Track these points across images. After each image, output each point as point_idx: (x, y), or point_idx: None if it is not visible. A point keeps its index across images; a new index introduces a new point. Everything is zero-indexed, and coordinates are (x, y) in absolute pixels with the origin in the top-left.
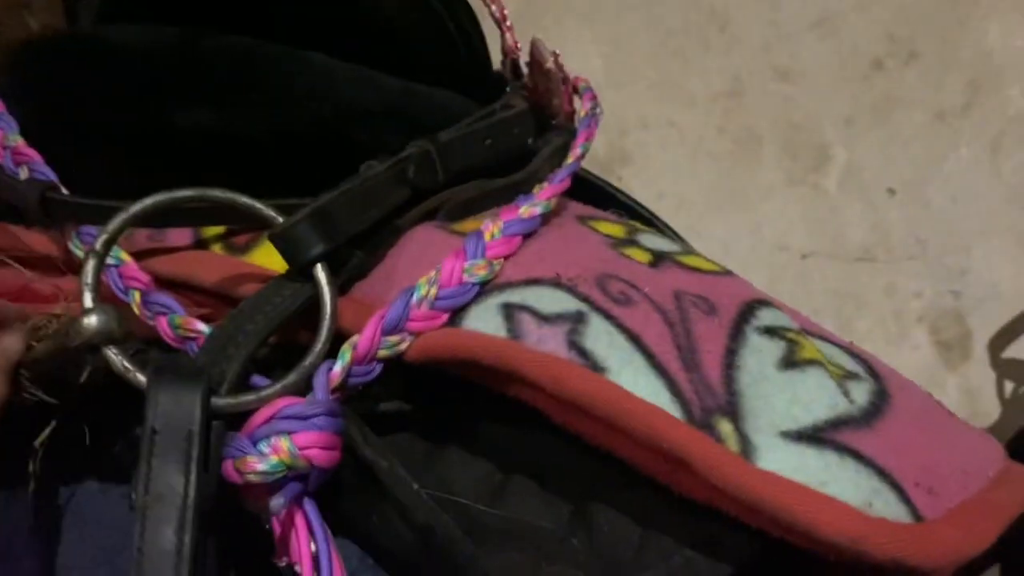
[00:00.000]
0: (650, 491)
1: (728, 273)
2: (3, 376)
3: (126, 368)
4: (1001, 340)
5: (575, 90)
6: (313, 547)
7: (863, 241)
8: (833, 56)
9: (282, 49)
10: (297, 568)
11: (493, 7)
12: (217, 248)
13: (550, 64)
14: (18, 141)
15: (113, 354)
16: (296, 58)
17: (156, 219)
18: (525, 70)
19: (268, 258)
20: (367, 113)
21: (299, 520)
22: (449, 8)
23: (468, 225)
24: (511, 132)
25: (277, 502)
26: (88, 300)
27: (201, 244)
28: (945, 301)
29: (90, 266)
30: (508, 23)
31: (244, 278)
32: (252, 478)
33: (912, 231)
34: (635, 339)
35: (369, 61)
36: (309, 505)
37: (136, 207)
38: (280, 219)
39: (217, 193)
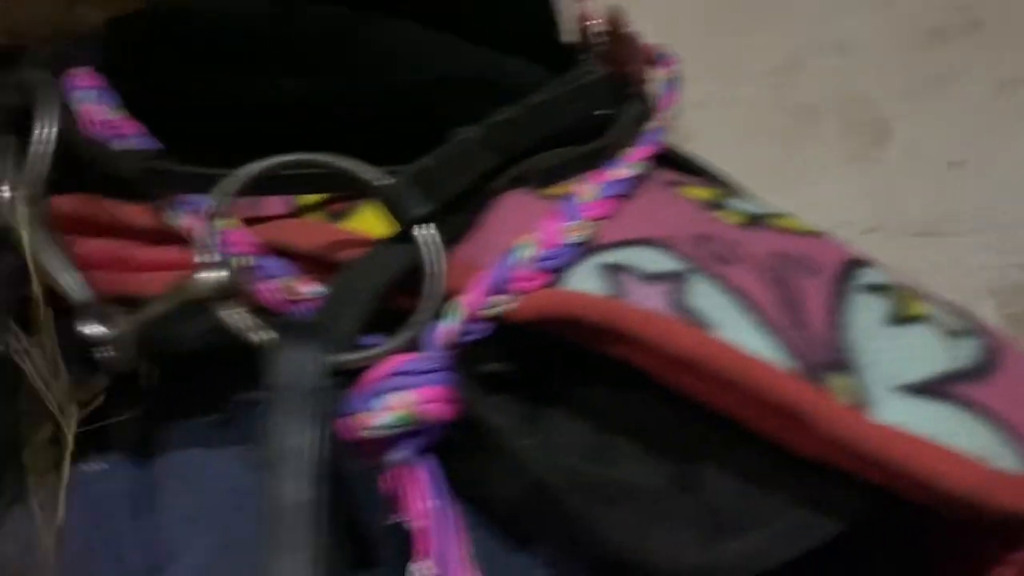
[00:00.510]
0: (758, 449)
1: (822, 234)
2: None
3: (246, 327)
4: None
5: (652, 58)
6: (431, 504)
7: (926, 215)
8: (891, 27)
9: (372, 16)
10: (415, 525)
11: None
12: (314, 216)
13: (628, 30)
14: (119, 114)
15: (232, 312)
16: (386, 26)
17: (262, 185)
18: (598, 40)
19: (366, 224)
20: (453, 81)
21: (416, 476)
22: None
23: (558, 190)
24: (596, 97)
25: (398, 455)
26: (209, 256)
27: (297, 212)
28: (1013, 274)
29: (209, 226)
30: None
31: (344, 243)
32: (370, 434)
33: (976, 204)
34: (739, 297)
35: (446, 29)
36: (426, 461)
37: (255, 167)
38: (383, 181)
39: (323, 157)
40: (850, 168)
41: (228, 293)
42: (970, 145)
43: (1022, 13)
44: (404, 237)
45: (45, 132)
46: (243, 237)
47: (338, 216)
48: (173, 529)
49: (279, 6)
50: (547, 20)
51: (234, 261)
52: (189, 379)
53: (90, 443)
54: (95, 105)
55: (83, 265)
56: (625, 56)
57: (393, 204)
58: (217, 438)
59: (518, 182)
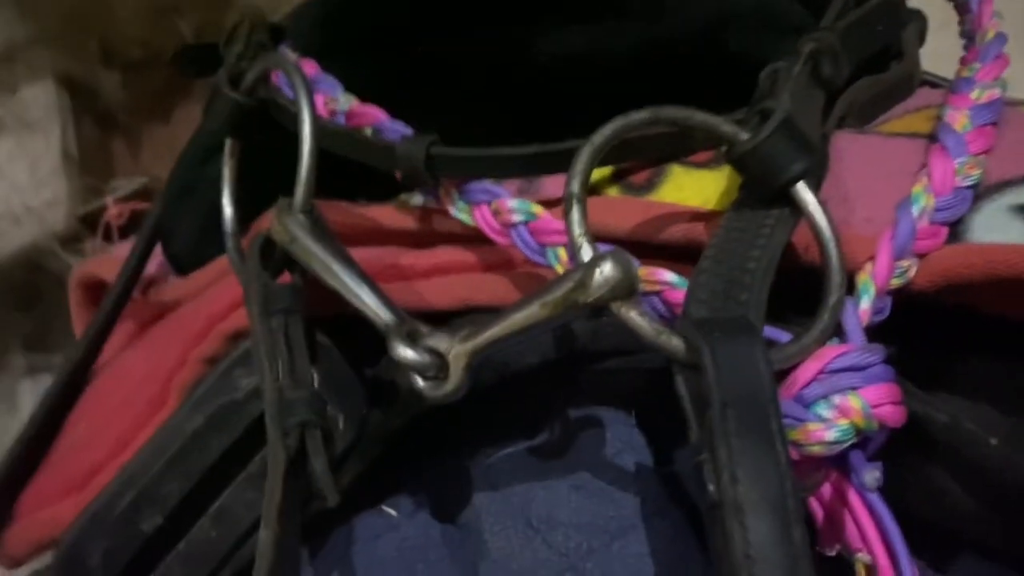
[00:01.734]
0: None
1: None
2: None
3: (657, 330)
4: None
5: None
6: (888, 532)
7: None
8: None
9: None
10: (861, 556)
11: None
12: (613, 191)
13: None
14: (351, 101)
15: (636, 314)
16: None
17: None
18: None
19: (677, 194)
20: (738, 16)
21: (855, 497)
22: None
23: (896, 126)
24: (897, 15)
25: (873, 476)
26: (588, 250)
27: (591, 190)
28: None
29: (575, 213)
30: None
31: (665, 220)
32: (815, 450)
33: None
34: None
35: None
36: (876, 478)
37: (605, 132)
38: (742, 134)
39: (676, 111)
40: None
41: (628, 291)
42: None
43: None
44: (777, 199)
45: (308, 128)
46: (550, 224)
47: (643, 188)
48: None
49: None
50: None
51: (622, 253)
52: (496, 398)
53: (387, 482)
54: (322, 94)
55: None
56: None
57: (767, 160)
58: (541, 466)
59: (841, 122)
